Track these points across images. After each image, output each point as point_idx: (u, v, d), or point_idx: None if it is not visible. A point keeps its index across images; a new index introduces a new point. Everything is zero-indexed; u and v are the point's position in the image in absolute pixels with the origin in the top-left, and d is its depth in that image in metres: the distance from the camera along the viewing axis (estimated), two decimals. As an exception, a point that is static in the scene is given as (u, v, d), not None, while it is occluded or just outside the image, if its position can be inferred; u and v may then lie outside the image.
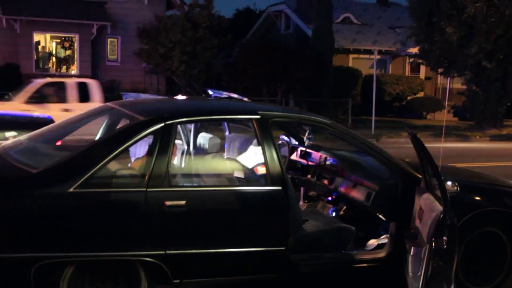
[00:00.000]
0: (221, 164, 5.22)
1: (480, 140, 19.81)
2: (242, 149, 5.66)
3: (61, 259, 3.95)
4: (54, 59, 24.89)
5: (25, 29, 22.95)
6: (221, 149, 5.78)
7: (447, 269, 4.03)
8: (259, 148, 4.56)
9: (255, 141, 5.23)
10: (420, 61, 23.86)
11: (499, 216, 5.07)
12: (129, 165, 4.78)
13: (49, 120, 8.33)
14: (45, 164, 4.13)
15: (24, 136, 5.09)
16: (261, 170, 4.82)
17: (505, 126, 22.43)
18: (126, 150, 4.42)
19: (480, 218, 4.97)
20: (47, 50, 24.76)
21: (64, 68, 24.88)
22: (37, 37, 23.96)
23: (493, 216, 5.06)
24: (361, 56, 28.71)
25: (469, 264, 4.97)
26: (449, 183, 4.45)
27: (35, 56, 23.86)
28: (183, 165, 5.48)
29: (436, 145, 15.12)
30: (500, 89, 21.65)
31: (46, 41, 24.63)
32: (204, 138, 5.64)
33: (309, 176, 6.03)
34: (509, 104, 22.63)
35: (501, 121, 22.58)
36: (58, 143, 5.13)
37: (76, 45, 24.21)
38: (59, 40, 24.79)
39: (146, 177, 4.11)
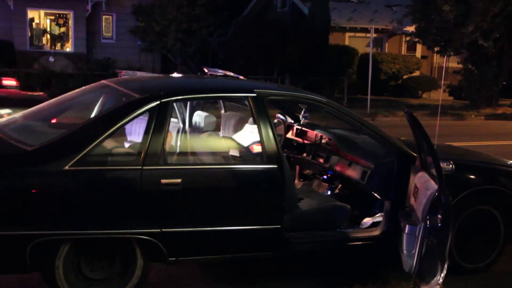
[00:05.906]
0: (217, 143, 5.21)
1: (475, 119, 19.82)
2: (238, 127, 5.65)
3: (57, 236, 3.95)
4: (48, 36, 24.66)
5: (19, 5, 22.70)
6: (216, 128, 5.77)
7: (441, 247, 4.06)
8: (255, 126, 4.54)
9: (250, 119, 5.21)
10: (417, 39, 23.73)
11: (493, 194, 5.09)
12: (124, 143, 4.76)
13: (44, 98, 8.29)
14: (40, 141, 4.10)
15: (18, 114, 5.06)
16: (257, 149, 4.81)
17: (500, 105, 22.42)
18: (122, 128, 4.40)
19: (474, 197, 4.99)
20: (41, 27, 24.51)
21: (58, 45, 24.69)
22: (31, 13, 23.72)
23: (488, 194, 5.08)
24: (358, 34, 28.56)
25: (462, 242, 5.00)
26: (444, 161, 4.45)
27: (29, 33, 23.64)
28: (178, 143, 5.47)
29: (431, 123, 15.12)
30: (496, 68, 21.61)
31: (40, 17, 24.38)
32: (199, 116, 5.63)
33: (304, 154, 6.04)
34: (504, 83, 22.62)
35: (496, 100, 22.57)
36: (53, 120, 5.10)
37: (70, 22, 23.98)
38: (53, 17, 24.55)
39: (142, 155, 4.09)
